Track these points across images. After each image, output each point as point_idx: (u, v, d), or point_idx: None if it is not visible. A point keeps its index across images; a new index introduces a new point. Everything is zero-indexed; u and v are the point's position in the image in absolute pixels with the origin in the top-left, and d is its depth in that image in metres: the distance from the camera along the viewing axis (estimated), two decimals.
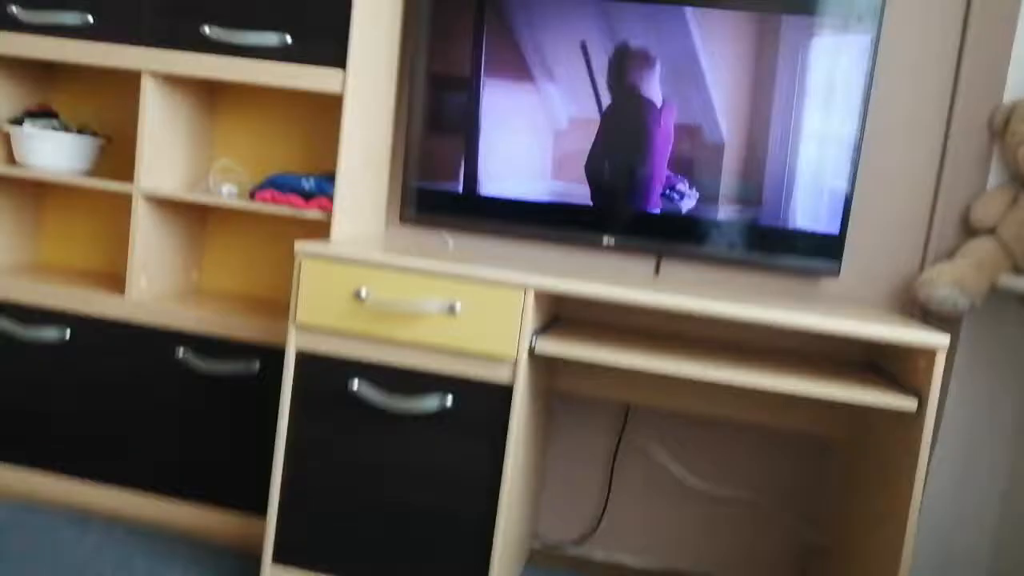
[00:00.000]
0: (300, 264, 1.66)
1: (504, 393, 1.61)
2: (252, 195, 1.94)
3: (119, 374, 1.95)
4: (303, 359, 1.68)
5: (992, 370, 1.91)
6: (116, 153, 2.22)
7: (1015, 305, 1.88)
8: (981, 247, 1.81)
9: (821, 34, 1.86)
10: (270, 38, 1.84)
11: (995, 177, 1.88)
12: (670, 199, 1.94)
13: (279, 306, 2.09)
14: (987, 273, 1.77)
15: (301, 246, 1.66)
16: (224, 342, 1.90)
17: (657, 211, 1.95)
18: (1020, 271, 1.77)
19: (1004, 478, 1.92)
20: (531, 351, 1.62)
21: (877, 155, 1.95)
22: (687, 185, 1.92)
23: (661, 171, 1.94)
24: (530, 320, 1.60)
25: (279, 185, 1.93)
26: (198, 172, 2.15)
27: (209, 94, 2.15)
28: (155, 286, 2.03)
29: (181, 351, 1.91)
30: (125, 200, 2.24)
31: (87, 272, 2.23)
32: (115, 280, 2.14)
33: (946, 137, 1.92)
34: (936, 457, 1.93)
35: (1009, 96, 1.86)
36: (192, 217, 2.15)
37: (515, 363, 1.60)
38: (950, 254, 1.90)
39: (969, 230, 1.89)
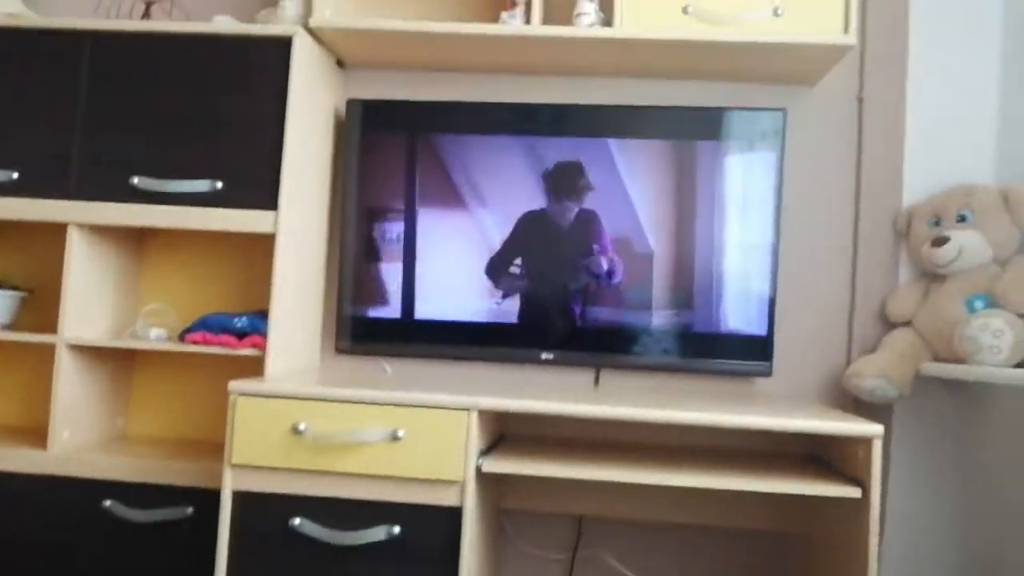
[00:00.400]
0: (235, 403, 1.62)
1: (453, 516, 1.57)
2: (183, 337, 1.91)
3: (41, 531, 1.82)
4: (240, 499, 1.60)
5: (927, 453, 1.95)
6: (40, 302, 2.16)
7: (939, 390, 1.95)
8: (902, 338, 1.89)
9: (732, 154, 1.98)
10: (200, 185, 1.86)
11: (905, 273, 2.00)
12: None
13: (212, 448, 2.01)
14: (910, 362, 1.84)
15: (235, 384, 1.62)
16: (153, 489, 1.81)
17: (593, 322, 1.99)
18: (939, 359, 1.85)
19: (953, 553, 1.93)
20: (479, 471, 1.59)
21: (794, 259, 2.06)
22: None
23: (594, 285, 2.00)
24: (476, 441, 1.58)
25: (210, 326, 1.91)
26: (126, 318, 2.11)
27: (137, 239, 2.15)
28: (78, 437, 1.94)
29: (107, 502, 1.81)
30: (48, 351, 2.15)
31: (7, 428, 2.12)
32: (36, 434, 2.02)
33: (855, 239, 2.04)
34: (885, 540, 1.93)
35: (907, 199, 2.00)
36: (118, 364, 2.09)
37: (463, 485, 1.57)
38: (873, 346, 1.97)
39: (888, 323, 1.98)
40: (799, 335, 2.05)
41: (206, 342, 1.88)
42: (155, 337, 1.95)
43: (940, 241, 1.82)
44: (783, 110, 1.97)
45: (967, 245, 1.80)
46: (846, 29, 1.82)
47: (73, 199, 1.88)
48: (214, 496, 1.70)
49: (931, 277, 1.92)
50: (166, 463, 1.82)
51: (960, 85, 2.00)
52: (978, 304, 1.77)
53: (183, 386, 2.15)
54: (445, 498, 1.57)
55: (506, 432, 2.00)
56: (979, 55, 2.00)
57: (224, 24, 1.94)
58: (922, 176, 1.99)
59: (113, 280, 2.05)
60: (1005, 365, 1.63)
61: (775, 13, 1.82)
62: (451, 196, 2.05)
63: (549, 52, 1.99)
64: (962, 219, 1.84)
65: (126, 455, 1.87)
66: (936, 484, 1.95)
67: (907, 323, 1.93)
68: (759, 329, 1.95)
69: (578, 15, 1.92)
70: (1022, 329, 1.63)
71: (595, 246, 2.00)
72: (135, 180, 1.87)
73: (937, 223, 1.88)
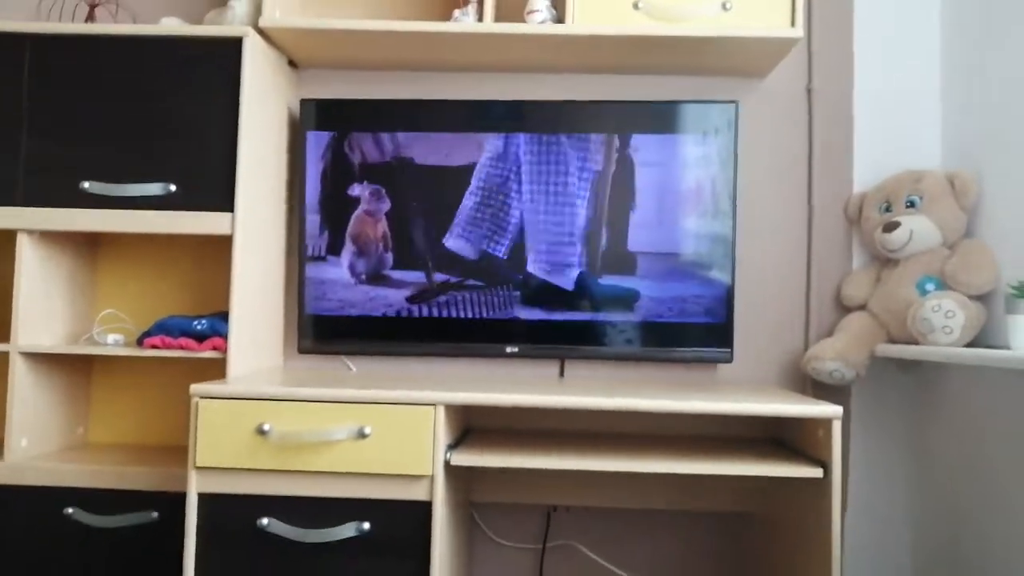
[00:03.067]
0: (197, 406, 1.60)
1: (423, 511, 1.57)
2: (141, 342, 1.88)
3: (3, 542, 1.78)
4: (206, 501, 1.59)
5: (884, 432, 2.01)
6: None
7: (893, 371, 2.00)
8: (857, 321, 1.94)
9: (686, 146, 2.01)
10: (153, 188, 1.83)
11: (858, 258, 2.05)
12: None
13: (175, 452, 1.98)
14: (865, 344, 1.89)
15: (197, 388, 1.60)
16: (116, 494, 1.78)
17: (556, 314, 2.01)
18: (894, 340, 1.90)
19: (911, 527, 1.99)
20: (447, 465, 1.59)
21: (751, 248, 2.09)
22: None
23: (554, 278, 2.02)
24: (443, 435, 1.58)
25: (169, 329, 1.88)
26: (81, 324, 2.07)
27: (90, 244, 2.11)
28: (37, 446, 1.90)
29: (69, 509, 1.77)
30: (1, 359, 2.11)
31: None
32: None
33: (809, 226, 2.09)
34: (848, 518, 1.99)
35: (857, 187, 2.06)
36: (75, 371, 2.05)
37: (432, 479, 1.57)
38: (830, 330, 2.02)
39: (843, 307, 2.03)
40: (758, 321, 2.09)
41: (165, 346, 1.85)
42: (112, 342, 1.92)
43: (891, 226, 1.87)
44: (735, 102, 2.01)
45: (917, 229, 1.86)
46: (793, 22, 1.86)
47: (21, 205, 1.84)
48: (179, 500, 1.67)
49: (883, 261, 1.97)
50: (128, 468, 1.79)
51: (904, 74, 2.06)
52: (929, 286, 1.82)
53: (143, 391, 2.12)
54: (414, 493, 1.57)
55: (472, 426, 2.00)
56: (920, 45, 2.06)
57: (172, 26, 1.92)
58: (871, 163, 2.05)
59: (67, 286, 2.01)
60: (956, 345, 1.68)
61: (724, 8, 1.86)
62: (406, 192, 2.05)
63: (502, 49, 2.00)
64: (911, 204, 1.89)
65: (86, 462, 1.83)
66: (894, 461, 2.01)
67: (862, 306, 1.98)
68: (720, 317, 1.99)
69: (530, 12, 1.93)
70: (972, 310, 1.69)
71: (553, 240, 2.02)
72: (85, 185, 1.83)
73: (887, 208, 1.93)
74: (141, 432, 2.12)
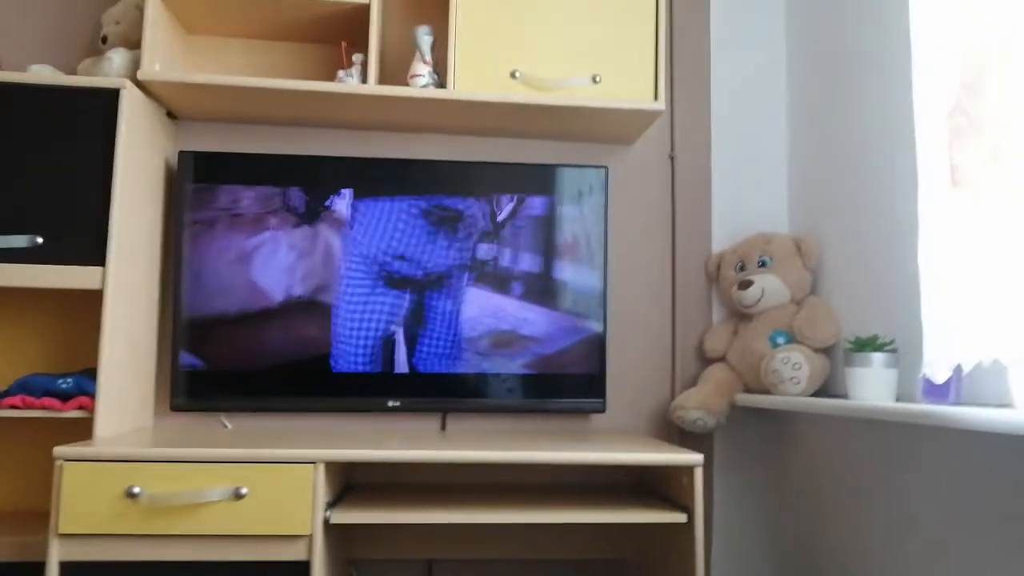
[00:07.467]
0: (60, 469, 1.54)
1: (301, 571, 1.55)
2: None
3: None
4: (69, 571, 1.51)
5: (744, 475, 2.15)
6: None
7: (751, 418, 2.15)
8: (717, 372, 2.07)
9: (560, 207, 2.11)
10: (18, 240, 1.76)
11: (717, 312, 2.20)
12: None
13: (36, 519, 1.87)
14: (725, 394, 2.02)
15: (60, 450, 1.54)
16: None
17: (437, 368, 2.05)
18: (750, 390, 2.05)
19: (774, 567, 2.12)
20: (326, 523, 1.59)
21: (621, 303, 2.21)
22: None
23: (435, 332, 2.06)
24: (322, 493, 1.58)
25: (31, 388, 1.79)
26: None
27: None
28: None
29: None
30: None
31: None
32: None
33: (673, 283, 2.23)
34: (713, 560, 2.10)
35: (715, 246, 2.21)
36: None
37: (311, 539, 1.56)
38: (694, 381, 2.15)
39: (706, 358, 2.17)
40: (629, 372, 2.19)
41: (26, 405, 1.76)
42: None
43: (745, 284, 2.03)
44: (605, 167, 2.13)
45: (768, 287, 2.02)
46: (656, 96, 2.00)
47: None
48: (39, 570, 1.60)
49: (740, 316, 2.12)
50: None
51: (754, 146, 2.26)
52: (780, 340, 1.97)
53: (1, 456, 2.00)
54: (292, 553, 1.56)
55: (353, 481, 2.00)
56: (770, 120, 2.27)
57: (44, 74, 1.87)
58: (727, 225, 2.22)
59: None
60: (804, 395, 1.83)
61: (594, 80, 1.98)
62: (284, 248, 2.05)
63: (385, 110, 2.06)
64: (763, 264, 2.05)
65: None
66: (754, 504, 2.14)
67: (722, 358, 2.12)
68: (592, 368, 2.08)
69: (413, 76, 1.99)
70: (817, 362, 1.85)
71: (435, 294, 2.07)
72: None
73: (742, 267, 2.09)
74: None
